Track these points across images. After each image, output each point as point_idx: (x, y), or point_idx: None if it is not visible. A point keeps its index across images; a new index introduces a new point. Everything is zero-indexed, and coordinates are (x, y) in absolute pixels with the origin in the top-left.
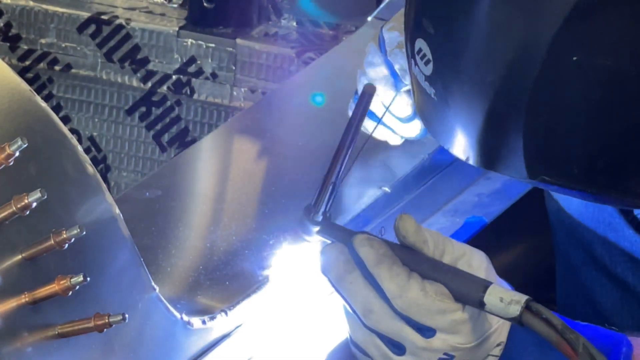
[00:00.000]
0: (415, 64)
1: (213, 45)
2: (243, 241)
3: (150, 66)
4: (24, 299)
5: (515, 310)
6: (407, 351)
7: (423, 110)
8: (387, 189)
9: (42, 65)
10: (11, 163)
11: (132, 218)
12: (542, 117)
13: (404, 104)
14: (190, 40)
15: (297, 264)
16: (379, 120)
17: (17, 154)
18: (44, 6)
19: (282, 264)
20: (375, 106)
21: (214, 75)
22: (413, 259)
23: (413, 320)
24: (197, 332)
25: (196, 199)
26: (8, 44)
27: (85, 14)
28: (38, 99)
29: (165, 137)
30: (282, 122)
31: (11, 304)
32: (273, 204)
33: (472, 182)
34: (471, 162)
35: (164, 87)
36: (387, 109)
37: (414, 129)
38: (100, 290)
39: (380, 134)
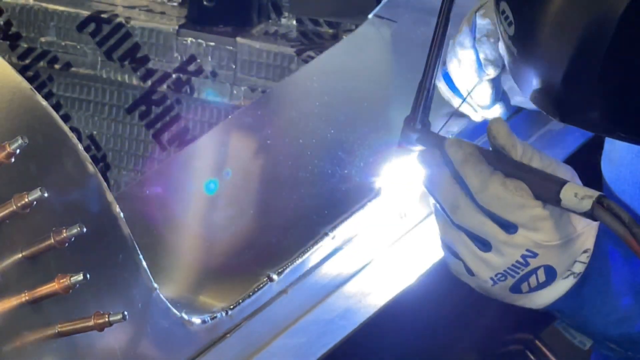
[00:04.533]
0: (501, 23)
1: (213, 43)
2: (243, 240)
3: (150, 65)
4: (24, 297)
5: (587, 204)
6: (493, 248)
7: (509, 65)
8: None
9: (42, 63)
10: (11, 161)
11: (132, 216)
12: (616, 79)
13: (484, 93)
14: (190, 38)
15: (407, 174)
16: (463, 99)
17: (18, 152)
18: (44, 4)
19: (392, 175)
20: (460, 84)
21: (214, 74)
22: (499, 161)
23: (496, 215)
24: (197, 331)
25: (196, 197)
26: (8, 43)
27: (85, 13)
28: (39, 97)
29: (165, 136)
30: (282, 120)
31: (11, 302)
32: (273, 201)
33: None
34: (551, 115)
35: (164, 86)
36: (469, 93)
37: (494, 113)
38: (100, 289)
39: (464, 108)
